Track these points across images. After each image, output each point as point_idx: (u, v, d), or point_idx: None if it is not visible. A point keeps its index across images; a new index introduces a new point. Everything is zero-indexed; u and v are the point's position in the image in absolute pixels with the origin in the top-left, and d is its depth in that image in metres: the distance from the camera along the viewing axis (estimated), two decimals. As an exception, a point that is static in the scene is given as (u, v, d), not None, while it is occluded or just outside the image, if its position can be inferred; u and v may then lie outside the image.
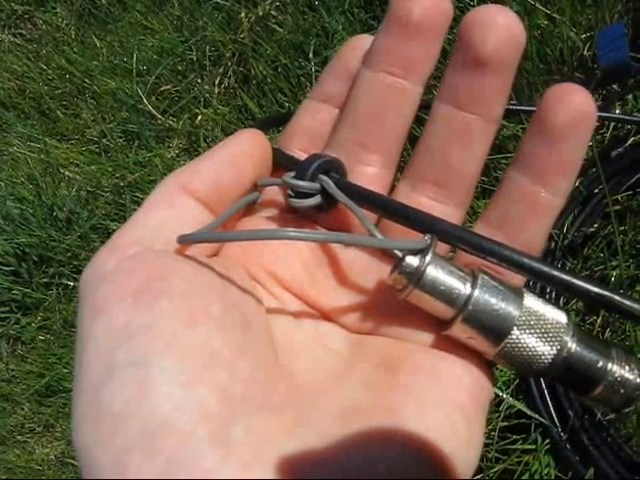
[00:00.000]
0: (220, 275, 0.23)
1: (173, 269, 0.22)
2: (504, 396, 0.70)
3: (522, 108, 0.47)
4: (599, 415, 0.66)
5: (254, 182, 0.26)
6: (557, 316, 0.22)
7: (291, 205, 0.25)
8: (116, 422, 0.18)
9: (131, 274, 0.21)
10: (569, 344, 0.22)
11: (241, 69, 1.15)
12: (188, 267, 0.22)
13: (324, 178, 0.25)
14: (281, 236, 0.23)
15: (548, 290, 0.68)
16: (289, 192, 0.25)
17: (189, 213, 0.24)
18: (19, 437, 1.23)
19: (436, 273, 0.22)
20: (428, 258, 0.22)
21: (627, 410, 0.22)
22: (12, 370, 1.27)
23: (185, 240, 0.23)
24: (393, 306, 0.24)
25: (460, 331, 0.22)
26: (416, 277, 0.22)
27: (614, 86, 0.73)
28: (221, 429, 0.18)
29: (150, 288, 0.20)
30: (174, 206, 0.24)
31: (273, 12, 1.10)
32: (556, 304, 0.23)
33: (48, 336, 1.24)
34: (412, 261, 0.22)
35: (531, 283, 0.59)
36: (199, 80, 1.21)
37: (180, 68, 1.24)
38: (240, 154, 0.25)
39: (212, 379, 0.19)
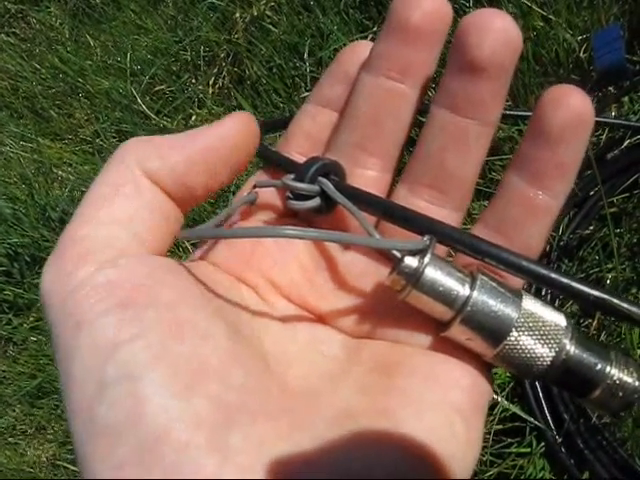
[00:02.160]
0: (203, 282, 0.23)
1: (156, 278, 0.21)
2: (499, 399, 0.70)
3: (517, 113, 0.48)
4: (594, 418, 0.66)
5: (253, 183, 0.26)
6: (556, 318, 0.22)
7: (290, 207, 0.25)
8: (113, 438, 0.18)
9: (113, 284, 0.20)
10: (568, 346, 0.22)
11: (235, 69, 1.15)
12: (171, 276, 0.22)
13: (323, 180, 0.24)
14: (280, 234, 0.23)
15: (543, 292, 0.68)
16: (288, 194, 0.25)
17: (156, 205, 0.23)
18: (10, 439, 1.22)
19: (435, 274, 0.22)
20: (427, 259, 0.22)
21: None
22: (3, 371, 1.27)
23: (185, 236, 0.22)
24: (391, 309, 0.24)
25: (459, 332, 0.22)
26: (415, 278, 0.22)
27: (610, 88, 0.73)
28: (218, 437, 0.18)
29: (135, 299, 0.20)
30: (141, 195, 0.22)
31: (268, 12, 1.10)
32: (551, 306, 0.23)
33: (40, 337, 1.24)
34: (411, 262, 0.22)
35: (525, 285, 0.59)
36: (193, 80, 1.21)
37: (174, 68, 1.24)
38: (219, 143, 0.24)
39: (204, 388, 0.19)
